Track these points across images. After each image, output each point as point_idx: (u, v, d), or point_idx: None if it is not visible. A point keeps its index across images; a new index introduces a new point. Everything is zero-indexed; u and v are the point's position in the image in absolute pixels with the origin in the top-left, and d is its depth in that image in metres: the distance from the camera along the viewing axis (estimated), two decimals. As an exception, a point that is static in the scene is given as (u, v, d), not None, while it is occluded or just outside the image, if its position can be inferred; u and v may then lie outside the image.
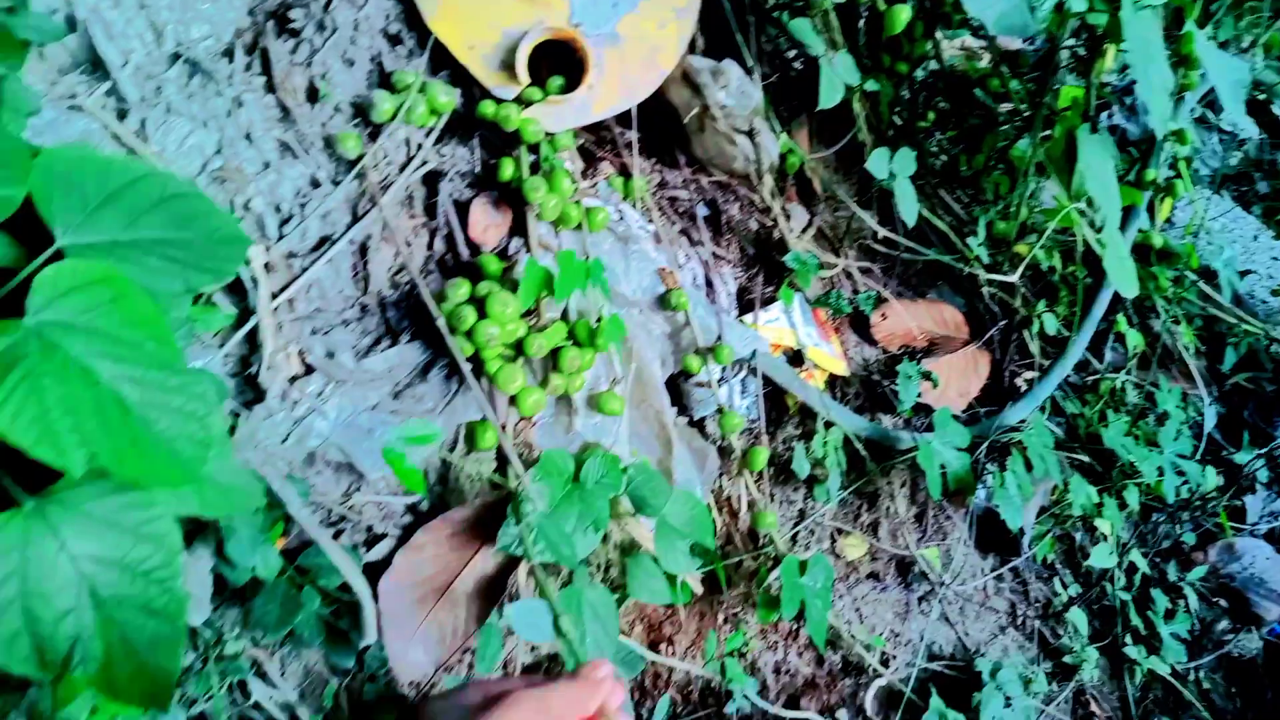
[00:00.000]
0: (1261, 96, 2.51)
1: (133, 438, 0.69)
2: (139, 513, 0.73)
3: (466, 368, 1.10)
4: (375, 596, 1.09)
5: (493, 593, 1.21)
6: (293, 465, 1.06)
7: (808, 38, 1.24)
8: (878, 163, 1.31)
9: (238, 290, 1.03)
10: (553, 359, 1.20)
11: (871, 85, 1.39)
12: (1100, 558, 1.65)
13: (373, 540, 1.14)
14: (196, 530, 0.99)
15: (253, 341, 1.02)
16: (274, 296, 1.04)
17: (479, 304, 1.12)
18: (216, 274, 0.85)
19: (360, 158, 1.11)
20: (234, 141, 1.04)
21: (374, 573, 1.12)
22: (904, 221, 1.60)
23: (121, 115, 0.96)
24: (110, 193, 0.77)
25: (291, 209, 1.08)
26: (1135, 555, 1.87)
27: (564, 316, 1.22)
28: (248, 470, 0.91)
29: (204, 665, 1.16)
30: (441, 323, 1.08)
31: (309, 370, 1.07)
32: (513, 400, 1.17)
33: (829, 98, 1.24)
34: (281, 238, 1.06)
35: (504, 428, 1.22)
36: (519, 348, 1.17)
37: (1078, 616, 1.63)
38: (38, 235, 0.75)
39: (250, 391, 1.03)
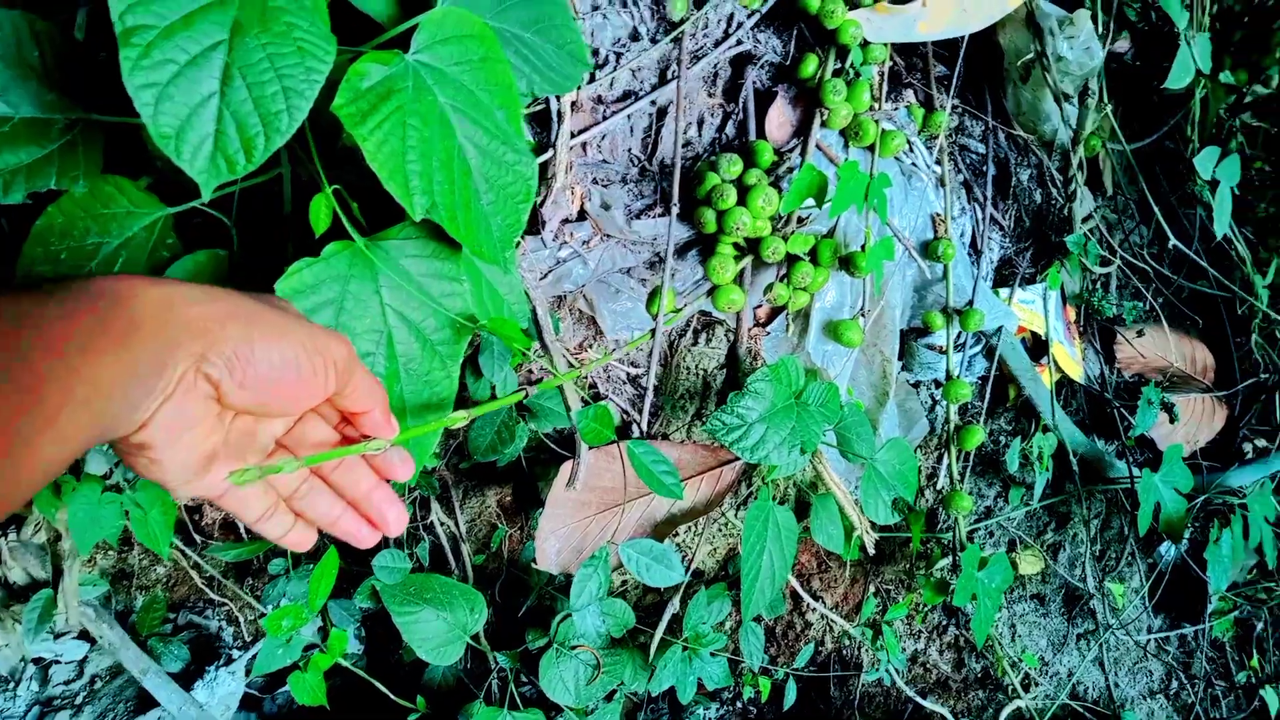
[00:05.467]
0: None
1: (465, 201, 0.70)
2: (445, 285, 0.75)
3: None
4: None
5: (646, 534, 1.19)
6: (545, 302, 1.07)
7: (1174, 10, 1.13)
8: (1205, 162, 1.19)
9: (540, 121, 1.03)
10: (787, 268, 1.16)
11: (1226, 77, 1.26)
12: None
13: (592, 399, 1.15)
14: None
15: (543, 174, 1.03)
16: (573, 136, 1.04)
17: (742, 190, 1.09)
18: (557, 85, 0.85)
19: (682, 22, 1.09)
20: (574, -27, 1.03)
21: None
22: (1196, 240, 1.47)
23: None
24: (493, -25, 0.77)
25: (608, 56, 1.07)
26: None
27: (829, 234, 1.18)
28: (521, 288, 0.92)
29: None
30: (675, 195, 1.06)
31: (581, 217, 1.07)
32: (713, 290, 1.13)
33: (1179, 77, 1.13)
34: (593, 81, 1.06)
35: (738, 332, 1.20)
36: (754, 246, 1.13)
37: (1270, 696, 1.50)
38: (414, 2, 0.76)
39: (527, 221, 1.04)
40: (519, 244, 1.02)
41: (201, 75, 0.58)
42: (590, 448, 1.05)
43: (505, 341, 0.71)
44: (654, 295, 1.06)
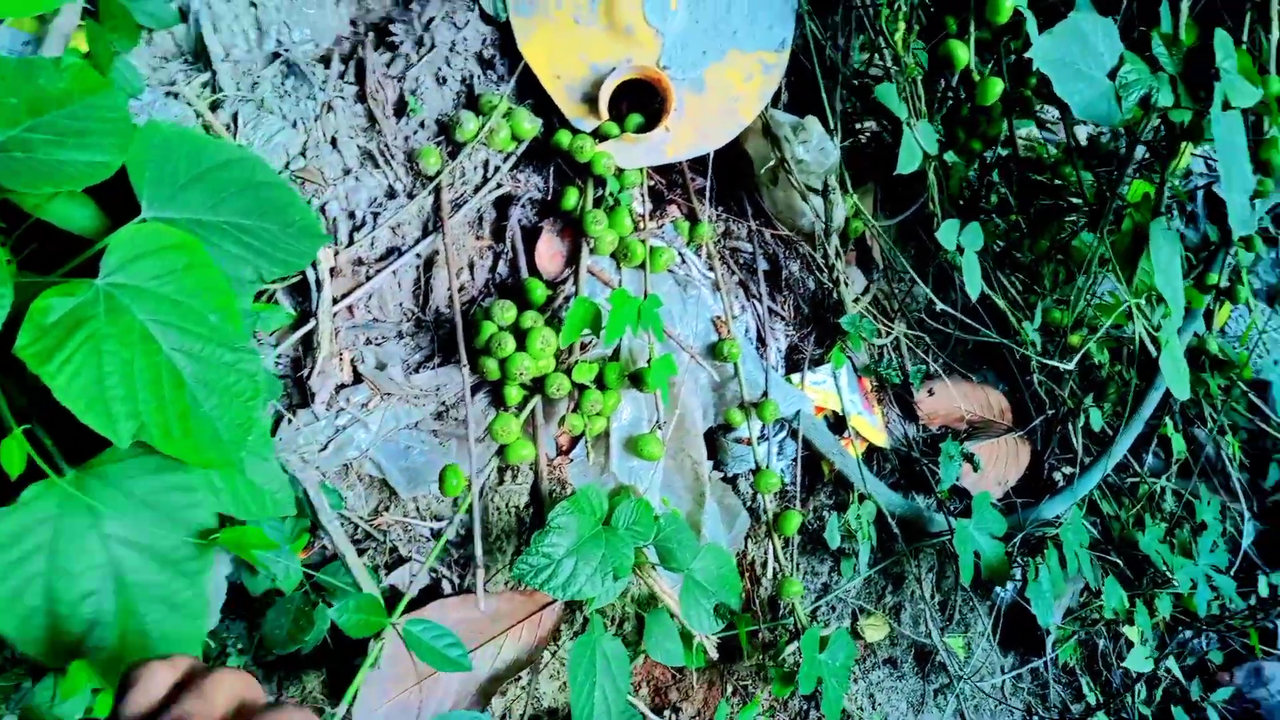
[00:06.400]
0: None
1: (181, 412, 0.68)
2: (179, 496, 0.72)
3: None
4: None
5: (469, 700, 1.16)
6: (327, 475, 1.04)
7: (892, 103, 1.23)
8: (948, 234, 1.29)
9: (301, 291, 1.02)
10: (577, 397, 1.18)
11: (951, 157, 1.38)
12: (1136, 661, 1.59)
13: (395, 563, 1.11)
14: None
15: (308, 344, 1.01)
16: (335, 301, 1.03)
17: (520, 335, 1.10)
18: (288, 265, 0.84)
19: (438, 174, 1.11)
20: (319, 144, 1.04)
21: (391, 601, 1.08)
22: (964, 297, 1.58)
23: (215, 106, 0.97)
24: (201, 172, 0.77)
25: (365, 216, 1.07)
26: (1165, 665, 1.81)
27: (614, 355, 1.20)
28: (283, 474, 0.89)
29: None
30: (461, 345, 1.07)
31: (357, 380, 1.06)
32: (502, 449, 1.14)
33: (907, 164, 1.23)
34: (351, 244, 1.06)
35: (537, 468, 1.20)
36: (540, 384, 1.14)
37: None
38: (124, 209, 0.74)
39: (297, 395, 1.02)
40: (290, 420, 1.00)
41: None
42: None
43: (239, 554, 0.68)
44: (445, 473, 1.05)
